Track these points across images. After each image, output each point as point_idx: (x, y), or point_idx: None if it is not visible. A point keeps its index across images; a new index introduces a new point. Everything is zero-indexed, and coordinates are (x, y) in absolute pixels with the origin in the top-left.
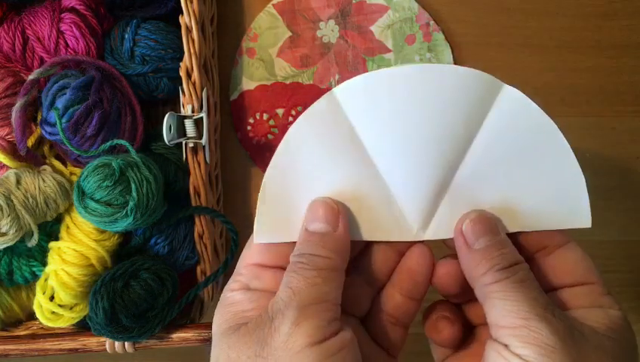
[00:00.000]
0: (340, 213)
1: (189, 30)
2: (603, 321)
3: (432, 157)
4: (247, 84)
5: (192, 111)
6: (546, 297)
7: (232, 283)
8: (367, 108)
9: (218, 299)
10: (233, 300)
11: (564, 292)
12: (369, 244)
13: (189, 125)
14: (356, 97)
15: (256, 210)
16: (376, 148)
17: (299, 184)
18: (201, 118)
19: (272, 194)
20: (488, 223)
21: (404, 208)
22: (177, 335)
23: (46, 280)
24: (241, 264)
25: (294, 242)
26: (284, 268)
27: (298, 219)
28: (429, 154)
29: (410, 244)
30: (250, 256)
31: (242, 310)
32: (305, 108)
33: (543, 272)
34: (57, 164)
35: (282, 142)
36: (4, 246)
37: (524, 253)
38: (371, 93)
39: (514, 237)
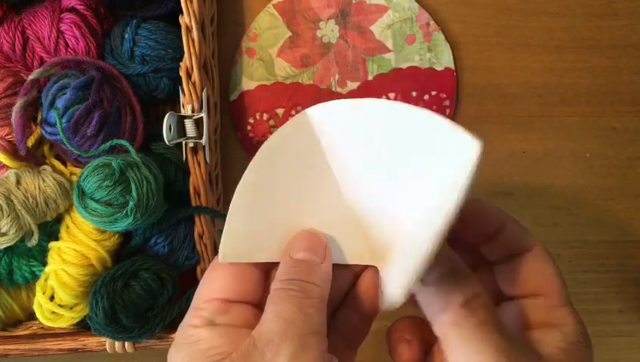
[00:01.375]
0: (327, 246)
1: (189, 30)
2: (558, 344)
3: (384, 186)
4: (247, 84)
5: (192, 111)
6: (508, 337)
7: (192, 319)
8: (337, 132)
9: None
10: (198, 337)
11: (523, 303)
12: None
13: (189, 125)
14: (330, 121)
15: (223, 230)
16: (342, 172)
17: (270, 203)
18: (201, 118)
19: (241, 213)
20: (441, 257)
21: (365, 231)
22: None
23: (46, 280)
24: (200, 298)
25: (260, 272)
26: (249, 303)
27: (269, 239)
28: (383, 184)
29: (365, 267)
30: (211, 290)
31: (212, 347)
32: (305, 108)
33: (504, 280)
34: (57, 164)
35: (254, 159)
36: (4, 246)
37: (488, 261)
38: (343, 119)
39: (478, 247)
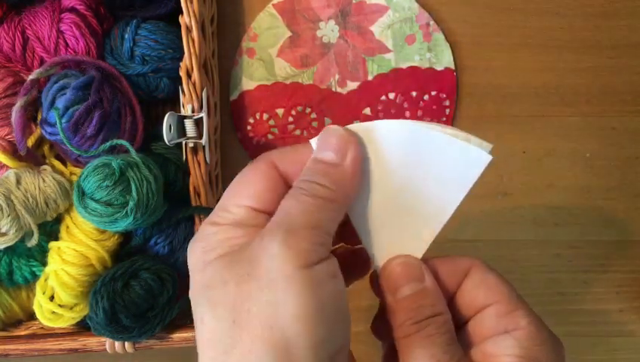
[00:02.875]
0: (351, 144)
1: (189, 30)
2: (513, 351)
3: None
4: (247, 84)
5: (192, 111)
6: (451, 351)
7: (216, 218)
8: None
9: None
10: (218, 230)
11: (473, 321)
12: None
13: (189, 125)
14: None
15: None
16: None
17: None
18: (201, 118)
19: None
20: (410, 270)
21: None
22: (177, 335)
23: (46, 280)
24: (229, 202)
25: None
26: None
27: None
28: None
29: None
30: (244, 195)
31: (229, 238)
32: (305, 108)
33: (456, 307)
34: (57, 164)
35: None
36: (4, 246)
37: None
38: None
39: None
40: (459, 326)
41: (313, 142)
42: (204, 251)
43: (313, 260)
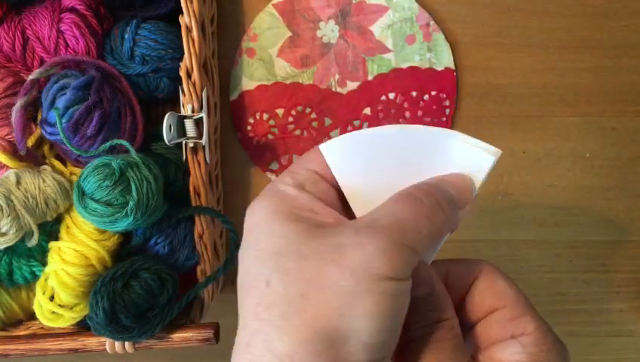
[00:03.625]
0: (471, 198)
1: (189, 30)
2: (519, 357)
3: None
4: (247, 84)
5: (192, 111)
6: (458, 356)
7: (284, 177)
8: (348, 164)
9: (218, 299)
10: (285, 193)
11: (481, 325)
12: None
13: (189, 125)
14: (339, 154)
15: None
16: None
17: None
18: (201, 118)
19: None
20: (421, 275)
21: None
22: (177, 335)
23: (46, 280)
24: (297, 166)
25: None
26: (336, 188)
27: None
28: None
29: None
30: (309, 162)
31: (298, 206)
32: (305, 108)
33: (465, 309)
34: (57, 164)
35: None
36: (4, 246)
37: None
38: (353, 150)
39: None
40: (467, 329)
41: None
42: (269, 211)
43: (401, 276)
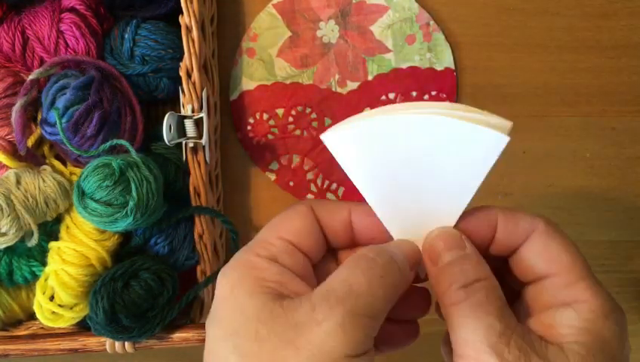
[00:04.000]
0: (420, 256)
1: (189, 30)
2: (571, 323)
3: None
4: (247, 84)
5: (192, 111)
6: (506, 319)
7: (257, 249)
8: (357, 155)
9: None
10: (256, 265)
11: (532, 289)
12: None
13: (189, 125)
14: (343, 144)
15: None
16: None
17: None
18: (201, 118)
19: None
20: (450, 239)
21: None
22: (177, 335)
23: (46, 280)
24: (272, 233)
25: (324, 244)
26: (309, 259)
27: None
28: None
29: None
30: (285, 229)
31: (265, 279)
32: (305, 108)
33: (513, 271)
34: (57, 164)
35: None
36: (4, 246)
37: (496, 260)
38: (362, 140)
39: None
40: (512, 290)
41: (354, 211)
42: (234, 285)
43: (360, 350)
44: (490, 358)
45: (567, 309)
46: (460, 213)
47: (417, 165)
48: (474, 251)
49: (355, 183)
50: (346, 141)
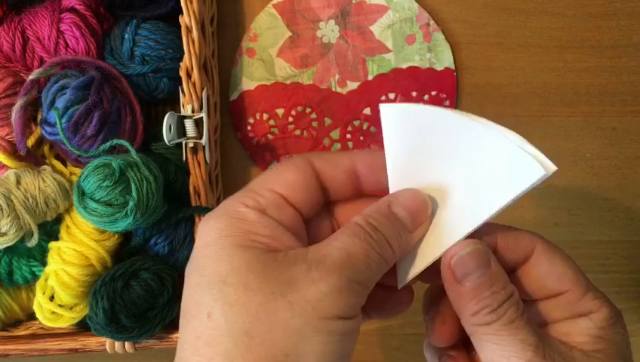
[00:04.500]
0: (426, 218)
1: (189, 30)
2: (589, 332)
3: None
4: (247, 84)
5: (192, 111)
6: (536, 332)
7: (247, 199)
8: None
9: None
10: (244, 216)
11: (544, 304)
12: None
13: (189, 125)
14: (397, 121)
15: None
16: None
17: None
18: (201, 118)
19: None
20: (479, 258)
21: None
22: (177, 336)
23: (46, 280)
24: (262, 185)
25: (321, 195)
26: (301, 214)
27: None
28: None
29: None
30: (277, 181)
31: (255, 232)
32: (305, 108)
33: (521, 286)
34: (57, 164)
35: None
36: (4, 246)
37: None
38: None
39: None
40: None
41: (359, 158)
42: (221, 234)
43: (351, 314)
44: None
45: (583, 319)
46: (473, 227)
47: (453, 168)
48: (499, 268)
49: (387, 160)
50: (401, 117)
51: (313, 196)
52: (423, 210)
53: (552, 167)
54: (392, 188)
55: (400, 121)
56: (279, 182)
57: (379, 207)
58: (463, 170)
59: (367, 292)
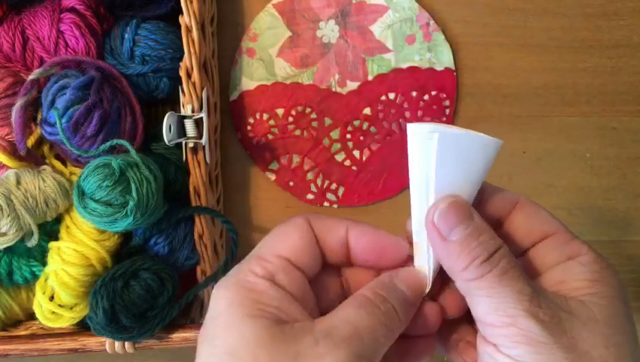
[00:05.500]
0: (424, 290)
1: (189, 30)
2: (583, 276)
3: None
4: (247, 84)
5: (192, 111)
6: (530, 283)
7: (255, 267)
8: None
9: None
10: (255, 286)
11: (533, 252)
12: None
13: (189, 125)
14: (422, 143)
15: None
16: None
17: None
18: (201, 118)
19: None
20: (461, 210)
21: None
22: (177, 335)
23: (46, 280)
24: (268, 251)
25: (321, 263)
26: (307, 277)
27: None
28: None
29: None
30: (284, 246)
31: (264, 303)
32: (305, 108)
33: (509, 239)
34: (57, 164)
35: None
36: (4, 246)
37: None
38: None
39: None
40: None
41: (352, 229)
42: (231, 303)
43: None
44: (527, 321)
45: (573, 264)
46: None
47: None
48: (483, 221)
49: (410, 179)
50: (424, 141)
51: (316, 257)
52: (421, 284)
53: (500, 140)
54: (414, 206)
55: (425, 144)
56: (285, 247)
57: (384, 280)
58: (446, 168)
59: None
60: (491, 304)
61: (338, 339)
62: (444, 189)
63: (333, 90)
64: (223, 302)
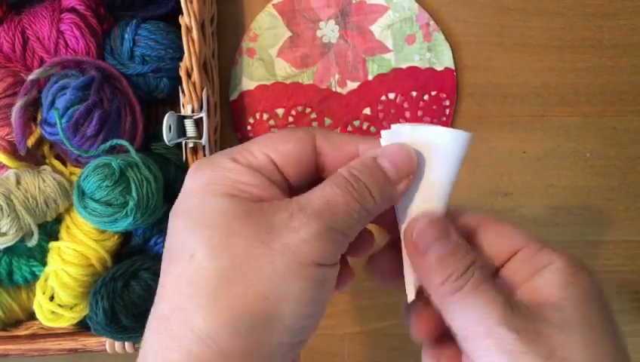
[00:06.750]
0: (412, 172)
1: (189, 30)
2: (555, 281)
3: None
4: (247, 84)
5: (192, 111)
6: (503, 294)
7: (236, 154)
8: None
9: None
10: (232, 168)
11: (505, 270)
12: None
13: (189, 125)
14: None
15: None
16: None
17: None
18: (201, 118)
19: None
20: (439, 227)
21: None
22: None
23: (46, 280)
24: (257, 147)
25: (315, 170)
26: (289, 182)
27: None
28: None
29: None
30: (274, 148)
31: (242, 182)
32: (305, 108)
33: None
34: (57, 164)
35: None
36: (4, 246)
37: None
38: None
39: None
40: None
41: (363, 144)
42: (209, 182)
43: (329, 261)
44: (501, 329)
45: (546, 272)
46: (445, 201)
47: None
48: (459, 236)
49: None
50: (392, 137)
51: (305, 171)
52: (407, 162)
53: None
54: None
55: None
56: (276, 149)
57: (364, 159)
58: (426, 162)
59: (348, 241)
60: (467, 317)
61: (311, 213)
62: (418, 185)
63: (334, 90)
64: (200, 181)
